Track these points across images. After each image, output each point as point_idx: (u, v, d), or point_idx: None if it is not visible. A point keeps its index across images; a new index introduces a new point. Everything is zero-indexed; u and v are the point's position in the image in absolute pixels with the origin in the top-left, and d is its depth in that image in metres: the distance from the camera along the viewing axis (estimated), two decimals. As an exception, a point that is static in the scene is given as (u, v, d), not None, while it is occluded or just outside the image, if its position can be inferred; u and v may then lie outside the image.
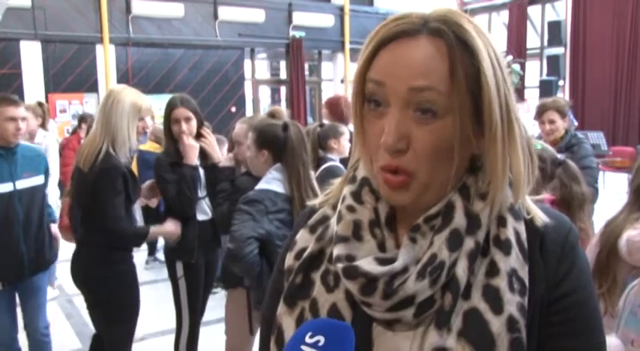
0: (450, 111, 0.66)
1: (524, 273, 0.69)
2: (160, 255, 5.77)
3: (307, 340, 0.61)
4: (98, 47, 9.59)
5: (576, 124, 10.80)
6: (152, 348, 3.84)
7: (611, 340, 1.61)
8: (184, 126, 2.82)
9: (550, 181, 2.23)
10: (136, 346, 3.85)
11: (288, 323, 0.75)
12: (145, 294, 4.94)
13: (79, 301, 4.71)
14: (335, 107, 4.19)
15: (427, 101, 0.66)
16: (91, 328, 4.10)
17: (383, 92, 0.69)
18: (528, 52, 12.53)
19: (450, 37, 0.67)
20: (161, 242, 5.75)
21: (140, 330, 4.06)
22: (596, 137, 9.10)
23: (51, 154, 4.95)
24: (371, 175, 0.75)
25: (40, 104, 5.69)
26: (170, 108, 2.85)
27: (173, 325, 3.85)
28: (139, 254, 5.80)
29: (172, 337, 3.38)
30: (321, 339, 0.61)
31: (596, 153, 7.98)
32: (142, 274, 5.46)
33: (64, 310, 4.53)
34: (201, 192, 2.99)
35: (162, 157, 2.95)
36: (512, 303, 0.67)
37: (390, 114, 0.68)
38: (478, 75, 0.67)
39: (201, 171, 2.97)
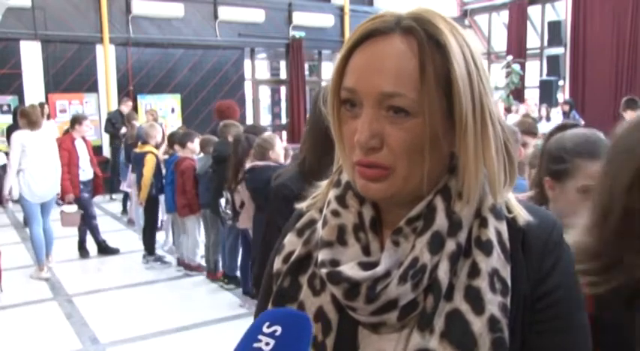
0: (423, 109, 0.67)
1: (506, 273, 0.69)
2: (161, 254, 5.75)
3: (265, 329, 0.61)
4: (98, 47, 9.59)
5: (583, 123, 10.81)
6: (152, 348, 3.84)
7: None
8: None
9: None
10: (136, 345, 3.87)
11: None
12: (145, 294, 4.97)
13: (79, 301, 4.72)
14: (225, 112, 5.06)
15: (398, 103, 0.67)
16: (91, 328, 4.13)
17: (356, 96, 0.70)
18: (528, 52, 12.52)
19: (421, 35, 0.68)
20: (160, 242, 5.76)
21: (140, 330, 4.07)
22: (596, 137, 9.08)
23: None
24: (350, 177, 0.76)
25: (41, 105, 5.72)
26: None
27: (173, 325, 3.86)
28: (137, 254, 5.81)
29: (172, 336, 3.40)
30: (279, 329, 0.61)
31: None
32: (142, 274, 5.47)
33: (64, 310, 4.54)
34: None
35: (290, 183, 1.72)
36: (494, 303, 0.68)
37: (363, 113, 0.69)
38: (449, 73, 0.67)
39: None
